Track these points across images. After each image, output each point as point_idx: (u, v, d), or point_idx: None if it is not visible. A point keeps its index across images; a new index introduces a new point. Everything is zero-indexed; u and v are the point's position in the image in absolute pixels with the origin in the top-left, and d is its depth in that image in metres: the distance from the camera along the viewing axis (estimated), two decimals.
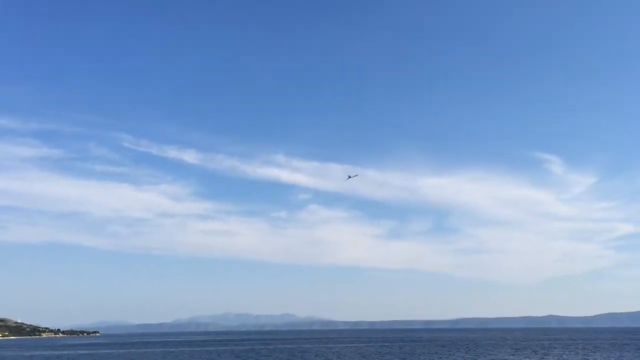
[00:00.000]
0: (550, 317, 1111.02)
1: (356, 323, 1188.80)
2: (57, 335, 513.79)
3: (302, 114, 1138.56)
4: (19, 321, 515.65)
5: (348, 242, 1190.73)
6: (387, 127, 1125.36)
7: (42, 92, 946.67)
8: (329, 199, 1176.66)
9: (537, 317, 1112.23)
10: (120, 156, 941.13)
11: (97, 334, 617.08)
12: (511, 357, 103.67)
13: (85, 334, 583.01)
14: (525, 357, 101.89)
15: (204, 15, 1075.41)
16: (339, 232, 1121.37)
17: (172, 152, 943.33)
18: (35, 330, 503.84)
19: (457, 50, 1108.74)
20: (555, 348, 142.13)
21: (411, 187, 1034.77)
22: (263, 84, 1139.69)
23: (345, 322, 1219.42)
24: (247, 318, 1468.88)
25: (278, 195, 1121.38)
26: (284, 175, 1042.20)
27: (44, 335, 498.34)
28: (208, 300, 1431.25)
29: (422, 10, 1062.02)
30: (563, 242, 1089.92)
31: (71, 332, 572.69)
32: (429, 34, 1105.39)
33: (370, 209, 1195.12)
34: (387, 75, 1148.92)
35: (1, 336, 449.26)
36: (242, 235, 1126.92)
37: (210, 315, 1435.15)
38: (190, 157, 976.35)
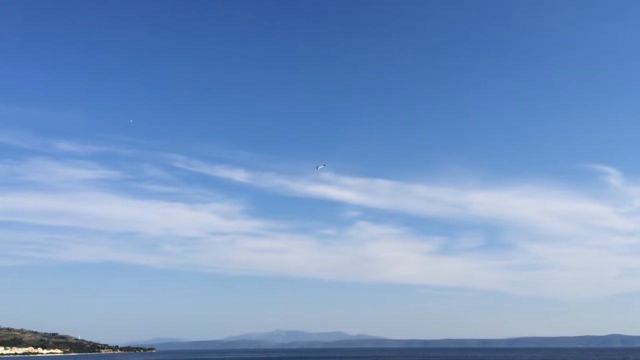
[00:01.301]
0: (614, 336, 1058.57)
1: (409, 342, 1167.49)
2: (116, 352, 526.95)
3: (349, 130, 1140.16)
4: (79, 338, 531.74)
5: (398, 258, 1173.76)
6: (435, 142, 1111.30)
7: (99, 117, 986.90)
8: (378, 216, 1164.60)
9: (598, 336, 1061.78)
10: (173, 176, 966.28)
11: (153, 351, 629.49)
12: None
13: (142, 351, 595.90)
14: None
15: (249, 35, 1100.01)
16: (388, 249, 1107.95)
17: (222, 172, 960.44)
18: (94, 347, 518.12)
19: (506, 63, 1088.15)
20: None
21: (461, 202, 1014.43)
22: (310, 101, 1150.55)
23: (397, 341, 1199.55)
24: (298, 336, 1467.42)
25: (327, 213, 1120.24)
26: (332, 192, 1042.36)
27: (102, 351, 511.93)
28: (260, 318, 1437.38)
29: (467, 23, 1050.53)
30: (624, 257, 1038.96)
31: (128, 349, 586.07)
32: (476, 47, 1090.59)
33: (419, 225, 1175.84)
34: (433, 89, 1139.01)
35: (63, 353, 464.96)
36: (292, 252, 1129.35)
37: (262, 333, 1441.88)
38: (239, 176, 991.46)
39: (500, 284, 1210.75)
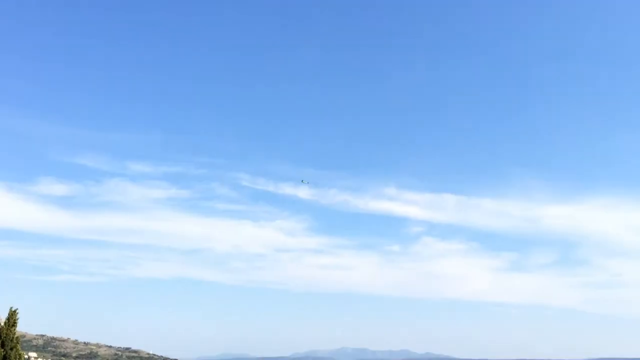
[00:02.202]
0: None
1: None
2: None
3: (413, 145, 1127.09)
4: (150, 352, 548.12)
5: (465, 275, 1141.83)
6: (502, 154, 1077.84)
7: (170, 139, 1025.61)
8: (444, 231, 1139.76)
9: None
10: (240, 194, 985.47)
11: None
12: None
13: None
14: None
15: (310, 53, 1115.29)
16: (455, 265, 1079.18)
17: (287, 189, 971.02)
18: None
19: (581, 70, 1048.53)
20: None
21: (532, 216, 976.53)
22: (371, 117, 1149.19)
23: None
24: (364, 353, 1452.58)
25: (391, 229, 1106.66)
26: (396, 208, 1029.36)
27: None
28: (325, 335, 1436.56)
29: (540, 30, 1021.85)
30: None
31: None
32: (546, 54, 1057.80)
33: (487, 240, 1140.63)
34: (499, 98, 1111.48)
35: None
36: (356, 269, 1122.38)
37: (327, 350, 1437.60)
38: (304, 193, 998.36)
39: (576, 302, 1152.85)
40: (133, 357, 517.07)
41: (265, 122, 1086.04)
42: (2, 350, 45.93)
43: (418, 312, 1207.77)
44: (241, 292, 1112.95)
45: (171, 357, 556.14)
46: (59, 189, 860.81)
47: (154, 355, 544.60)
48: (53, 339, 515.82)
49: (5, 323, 47.83)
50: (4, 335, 46.93)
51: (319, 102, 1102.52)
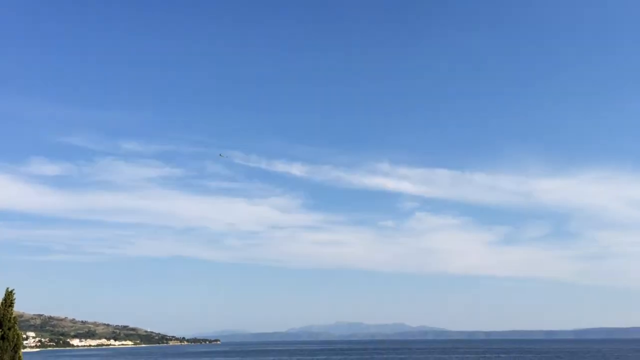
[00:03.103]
0: None
1: (472, 333, 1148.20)
2: (183, 343, 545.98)
3: (405, 120, 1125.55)
4: (148, 330, 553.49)
5: (459, 249, 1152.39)
6: (495, 128, 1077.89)
7: (161, 117, 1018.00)
8: (437, 206, 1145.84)
9: None
10: (233, 172, 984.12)
11: (218, 342, 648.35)
12: None
13: (207, 342, 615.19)
14: None
15: (300, 26, 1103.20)
16: (449, 240, 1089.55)
17: (280, 166, 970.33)
18: (163, 338, 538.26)
19: (571, 41, 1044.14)
20: None
21: (525, 190, 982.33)
22: (363, 93, 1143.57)
23: (460, 332, 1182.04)
24: (358, 327, 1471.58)
25: (384, 204, 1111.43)
26: (389, 183, 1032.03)
27: (170, 343, 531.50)
28: (320, 310, 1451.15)
29: (540, 12, 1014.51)
30: None
31: (195, 340, 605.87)
32: (540, 30, 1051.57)
33: (481, 214, 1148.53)
34: (491, 73, 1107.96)
35: (133, 344, 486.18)
36: (351, 245, 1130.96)
37: (322, 325, 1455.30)
38: (297, 170, 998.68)
39: (568, 274, 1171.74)
40: (131, 334, 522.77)
41: (256, 98, 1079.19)
42: (0, 330, 46.28)
43: (412, 287, 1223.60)
44: (237, 270, 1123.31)
45: (168, 335, 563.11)
46: (51, 169, 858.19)
47: (152, 332, 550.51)
48: (51, 318, 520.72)
49: (1, 304, 48.04)
50: (1, 315, 47.19)
51: (311, 77, 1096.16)
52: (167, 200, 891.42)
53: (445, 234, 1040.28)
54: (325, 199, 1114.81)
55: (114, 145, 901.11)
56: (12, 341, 46.71)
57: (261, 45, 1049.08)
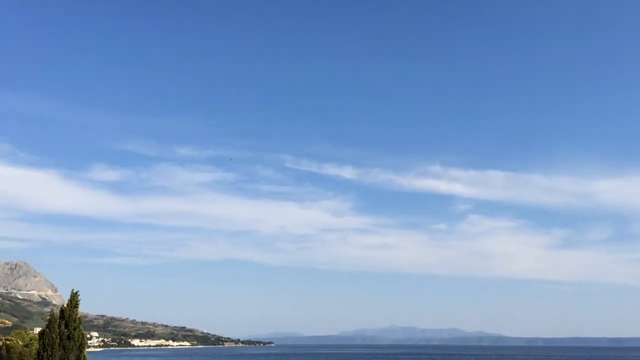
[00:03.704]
0: None
1: (530, 340, 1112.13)
2: (237, 345, 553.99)
3: (457, 121, 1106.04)
4: (204, 331, 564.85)
5: (515, 253, 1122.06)
6: (550, 127, 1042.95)
7: (214, 122, 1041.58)
8: (492, 209, 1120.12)
9: None
10: (284, 176, 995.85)
11: (272, 344, 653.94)
12: None
13: (261, 344, 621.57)
14: None
15: (352, 33, 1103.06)
16: (504, 243, 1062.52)
17: (331, 170, 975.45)
18: (218, 340, 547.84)
19: (634, 34, 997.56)
20: None
21: (584, 191, 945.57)
22: (412, 94, 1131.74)
23: (517, 338, 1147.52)
24: (412, 331, 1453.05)
25: (436, 207, 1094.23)
26: (441, 186, 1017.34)
27: (226, 344, 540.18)
28: (373, 314, 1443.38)
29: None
30: None
31: (249, 342, 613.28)
32: (600, 25, 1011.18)
33: (538, 217, 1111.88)
34: (546, 69, 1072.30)
35: (190, 345, 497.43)
36: (403, 248, 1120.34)
37: (375, 329, 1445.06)
38: (347, 173, 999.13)
39: (633, 278, 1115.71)
40: (188, 335, 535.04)
41: (306, 102, 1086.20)
42: (66, 330, 47.95)
43: (467, 291, 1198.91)
44: (289, 273, 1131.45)
45: (224, 336, 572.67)
46: (111, 175, 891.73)
47: (208, 333, 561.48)
48: (112, 319, 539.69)
49: (68, 304, 49.87)
50: (67, 315, 48.95)
51: (361, 80, 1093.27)
52: (220, 204, 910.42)
53: (501, 237, 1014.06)
54: (376, 202, 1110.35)
55: (170, 151, 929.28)
56: (78, 340, 48.40)
57: (311, 53, 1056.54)
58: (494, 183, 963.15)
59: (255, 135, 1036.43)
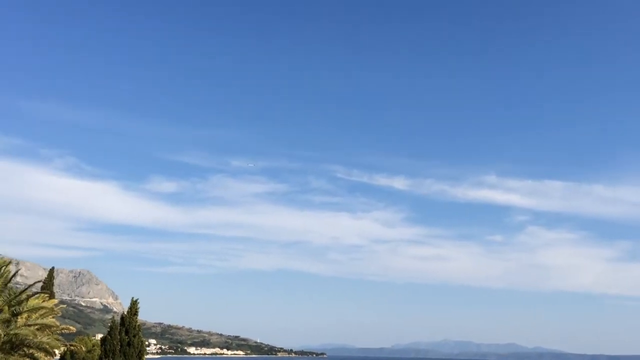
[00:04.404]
0: None
1: (593, 357, 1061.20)
2: (291, 355, 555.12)
3: (513, 130, 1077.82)
4: (258, 341, 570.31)
5: (576, 265, 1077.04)
6: (613, 135, 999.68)
7: (266, 133, 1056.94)
8: (551, 220, 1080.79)
9: None
10: (335, 187, 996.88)
11: (325, 355, 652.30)
12: None
13: (314, 355, 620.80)
14: None
15: (403, 43, 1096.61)
16: (565, 256, 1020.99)
17: (382, 180, 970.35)
18: (271, 349, 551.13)
19: None
20: None
21: None
22: (465, 102, 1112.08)
23: (580, 355, 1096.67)
24: (467, 346, 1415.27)
25: (492, 218, 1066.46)
26: (497, 196, 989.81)
27: (279, 354, 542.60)
28: (426, 326, 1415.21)
29: None
30: None
31: (302, 353, 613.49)
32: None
33: (600, 228, 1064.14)
34: (608, 74, 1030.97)
35: (244, 354, 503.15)
36: (456, 260, 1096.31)
37: (429, 342, 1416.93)
38: (399, 183, 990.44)
39: None
40: (242, 345, 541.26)
41: (357, 112, 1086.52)
42: (127, 337, 49.65)
43: (525, 305, 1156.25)
44: (341, 283, 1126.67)
45: (277, 346, 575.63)
46: (168, 186, 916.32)
47: (261, 343, 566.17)
48: (169, 326, 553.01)
49: (128, 312, 51.65)
50: (127, 323, 50.69)
51: (413, 91, 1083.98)
52: (272, 215, 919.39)
53: (561, 250, 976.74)
54: (428, 212, 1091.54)
55: (224, 162, 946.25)
56: (137, 347, 50.10)
57: (362, 65, 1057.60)
58: (552, 193, 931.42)
59: (306, 146, 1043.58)
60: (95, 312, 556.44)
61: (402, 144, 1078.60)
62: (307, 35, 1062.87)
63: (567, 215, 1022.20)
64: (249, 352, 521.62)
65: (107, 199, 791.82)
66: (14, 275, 32.30)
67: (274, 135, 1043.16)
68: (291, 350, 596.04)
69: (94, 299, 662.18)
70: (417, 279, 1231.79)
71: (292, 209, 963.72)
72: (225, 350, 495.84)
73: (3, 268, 30.48)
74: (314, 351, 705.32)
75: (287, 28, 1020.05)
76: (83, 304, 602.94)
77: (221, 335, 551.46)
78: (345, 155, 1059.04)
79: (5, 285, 31.34)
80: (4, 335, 28.54)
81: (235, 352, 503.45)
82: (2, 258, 31.29)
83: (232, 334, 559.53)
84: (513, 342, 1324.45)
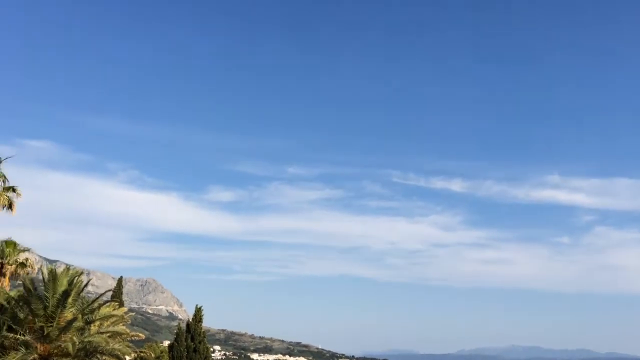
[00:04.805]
0: None
1: None
2: None
3: (575, 127, 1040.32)
4: (319, 347, 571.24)
5: None
6: None
7: (320, 140, 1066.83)
8: (620, 219, 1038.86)
9: None
10: (391, 191, 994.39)
11: None
12: None
13: None
14: None
15: (456, 45, 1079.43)
16: (636, 256, 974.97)
17: (439, 183, 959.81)
18: (333, 356, 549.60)
19: None
20: None
21: None
22: (525, 101, 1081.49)
23: None
24: (536, 351, 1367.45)
25: (557, 219, 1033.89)
26: (561, 196, 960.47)
27: None
28: (491, 332, 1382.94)
29: None
30: None
31: (364, 359, 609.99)
32: None
33: None
34: None
35: None
36: (521, 263, 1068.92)
37: (495, 348, 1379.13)
38: (457, 186, 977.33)
39: None
40: (304, 351, 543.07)
41: (409, 116, 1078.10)
42: (192, 343, 50.94)
43: (596, 308, 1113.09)
44: (401, 288, 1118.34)
45: (338, 353, 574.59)
46: (226, 195, 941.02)
47: (323, 349, 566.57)
48: (233, 333, 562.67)
49: (193, 319, 52.96)
50: (193, 329, 51.99)
51: (468, 88, 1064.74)
52: (329, 221, 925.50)
53: (632, 250, 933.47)
54: (489, 215, 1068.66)
55: (280, 171, 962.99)
56: (203, 354, 51.33)
57: (415, 73, 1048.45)
58: (620, 192, 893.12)
59: (361, 152, 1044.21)
60: (162, 319, 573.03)
61: (458, 146, 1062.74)
62: (360, 48, 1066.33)
63: (637, 214, 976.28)
64: (310, 358, 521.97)
65: (168, 210, 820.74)
66: (86, 285, 33.79)
67: (329, 142, 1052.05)
68: (353, 356, 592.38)
69: (160, 307, 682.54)
70: (479, 283, 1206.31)
71: (348, 215, 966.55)
72: (287, 357, 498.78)
73: (76, 278, 31.93)
74: (376, 357, 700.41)
75: (344, 40, 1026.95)
76: (150, 311, 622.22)
77: (283, 341, 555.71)
78: (401, 159, 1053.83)
79: (79, 294, 32.82)
80: (79, 343, 29.86)
81: (297, 358, 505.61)
82: (74, 269, 32.81)
83: (294, 340, 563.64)
84: (584, 347, 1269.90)
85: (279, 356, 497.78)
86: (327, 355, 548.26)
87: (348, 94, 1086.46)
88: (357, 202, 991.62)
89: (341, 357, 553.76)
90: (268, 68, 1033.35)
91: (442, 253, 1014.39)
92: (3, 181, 33.29)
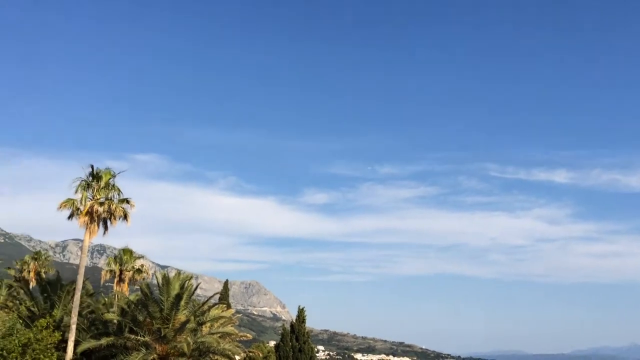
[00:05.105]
0: None
1: None
2: None
3: None
4: (423, 347, 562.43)
5: None
6: None
7: (411, 139, 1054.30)
8: None
9: None
10: (489, 186, 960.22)
11: None
12: None
13: None
14: None
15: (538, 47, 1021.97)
16: None
17: (541, 175, 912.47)
18: (438, 356, 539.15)
19: None
20: None
21: None
22: (630, 82, 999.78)
23: None
24: None
25: None
26: None
27: None
28: (608, 330, 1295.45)
29: None
30: None
31: (470, 359, 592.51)
32: None
33: None
34: None
35: None
36: (636, 256, 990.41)
37: (613, 347, 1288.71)
38: (560, 177, 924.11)
39: None
40: (407, 351, 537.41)
41: (504, 109, 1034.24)
42: (297, 343, 52.06)
43: None
44: (504, 286, 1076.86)
45: (443, 353, 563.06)
46: (321, 197, 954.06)
47: (427, 350, 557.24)
48: (335, 333, 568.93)
49: (296, 320, 54.11)
50: (297, 330, 53.13)
51: (551, 72, 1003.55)
52: (425, 219, 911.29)
53: None
54: (598, 206, 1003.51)
55: (372, 171, 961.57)
56: (308, 354, 52.32)
57: (504, 74, 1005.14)
58: None
59: (455, 147, 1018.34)
60: (266, 320, 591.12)
61: (561, 134, 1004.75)
62: (444, 42, 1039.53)
63: None
64: (415, 358, 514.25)
65: (266, 214, 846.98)
66: (196, 288, 35.64)
67: (420, 139, 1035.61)
68: (459, 357, 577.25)
69: (263, 308, 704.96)
70: (591, 278, 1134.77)
71: (444, 212, 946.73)
72: (391, 357, 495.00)
73: (187, 282, 33.73)
74: (483, 358, 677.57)
75: (432, 38, 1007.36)
76: (255, 313, 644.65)
77: (385, 341, 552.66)
78: (498, 152, 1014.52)
79: (190, 297, 34.66)
80: (193, 343, 31.52)
81: (401, 358, 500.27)
82: (185, 273, 34.69)
83: (396, 340, 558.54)
84: None
85: (383, 356, 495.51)
86: (432, 355, 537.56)
87: (436, 91, 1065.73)
88: (453, 198, 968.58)
89: (447, 358, 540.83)
90: (347, 68, 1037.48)
91: (548, 248, 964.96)
92: (118, 194, 35.86)
